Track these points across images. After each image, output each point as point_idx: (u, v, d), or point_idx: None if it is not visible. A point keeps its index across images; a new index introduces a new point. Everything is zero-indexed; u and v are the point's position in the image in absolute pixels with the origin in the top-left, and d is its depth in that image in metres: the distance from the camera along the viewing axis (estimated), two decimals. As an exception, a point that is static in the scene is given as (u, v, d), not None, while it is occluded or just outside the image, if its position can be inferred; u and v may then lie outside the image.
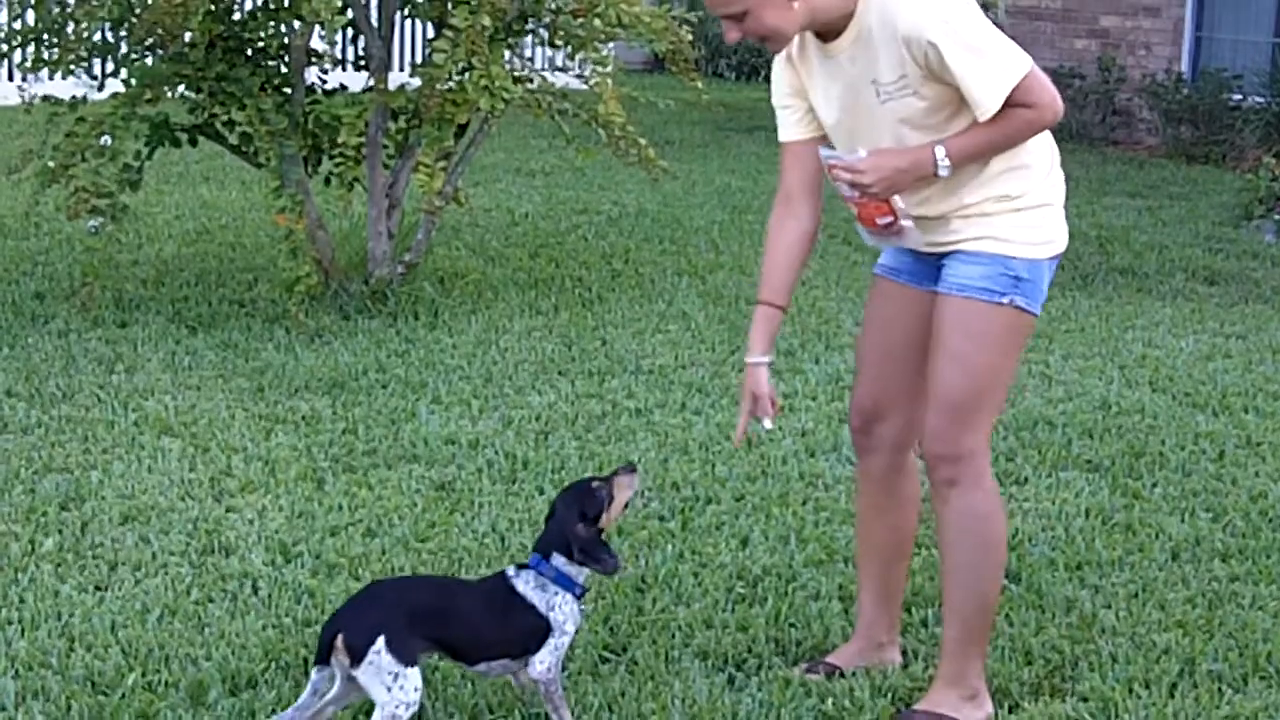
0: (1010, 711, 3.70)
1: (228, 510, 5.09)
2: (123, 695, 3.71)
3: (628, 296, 8.17)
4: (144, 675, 3.82)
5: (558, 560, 3.62)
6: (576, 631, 3.62)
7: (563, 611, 3.55)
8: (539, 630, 3.53)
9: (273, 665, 3.89)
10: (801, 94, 3.57)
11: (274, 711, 3.62)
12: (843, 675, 3.84)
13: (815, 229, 3.63)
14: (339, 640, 3.33)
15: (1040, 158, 3.53)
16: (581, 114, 7.88)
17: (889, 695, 3.78)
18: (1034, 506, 5.20)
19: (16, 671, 3.83)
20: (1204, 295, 8.67)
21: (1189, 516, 5.14)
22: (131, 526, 4.90)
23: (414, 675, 3.33)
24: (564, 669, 3.77)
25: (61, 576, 4.47)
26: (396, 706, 3.28)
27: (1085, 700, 3.77)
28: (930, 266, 3.62)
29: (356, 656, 3.29)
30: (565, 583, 3.60)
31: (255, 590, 4.42)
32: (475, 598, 3.57)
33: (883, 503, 3.84)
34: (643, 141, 7.98)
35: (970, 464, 3.55)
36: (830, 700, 3.72)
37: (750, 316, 3.67)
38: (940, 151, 3.39)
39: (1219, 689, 3.86)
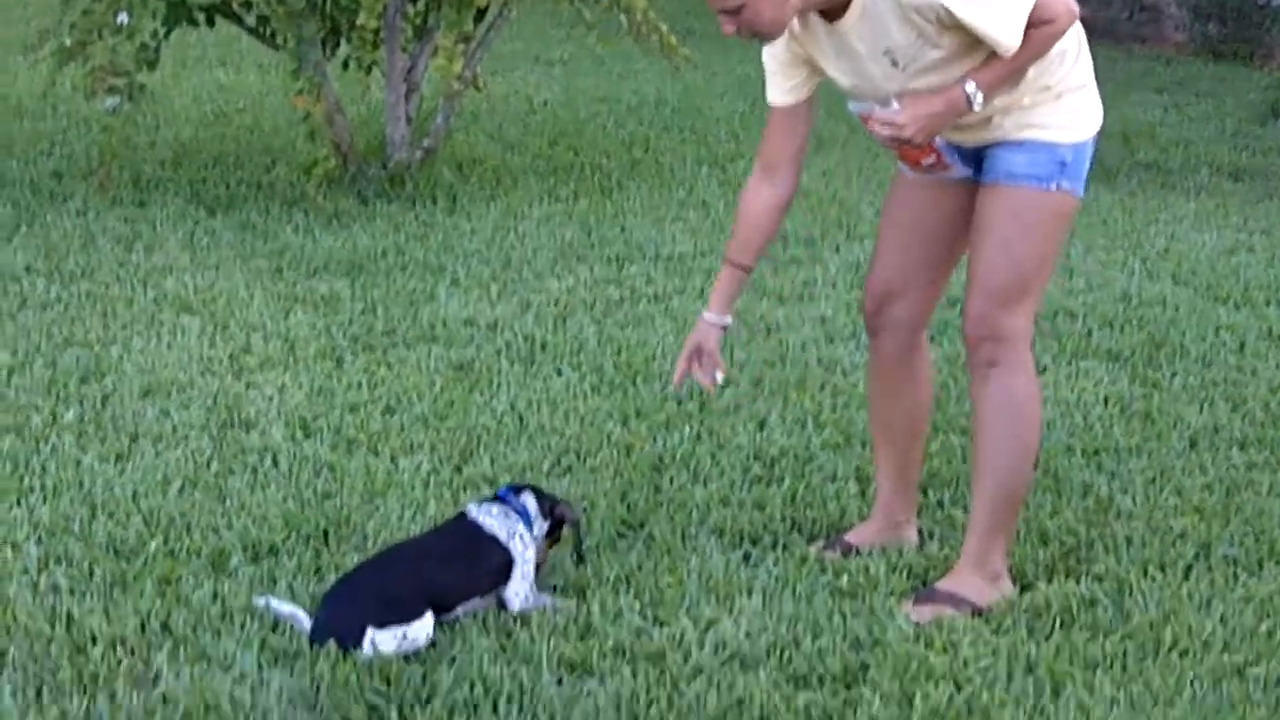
0: (1025, 591, 3.72)
1: (247, 386, 5.10)
2: (145, 561, 3.74)
3: (647, 185, 8.13)
4: (166, 543, 3.85)
5: (527, 499, 3.69)
6: (538, 567, 3.64)
7: (522, 541, 3.58)
8: (504, 565, 3.51)
9: (293, 535, 3.92)
10: (798, 63, 3.53)
11: (295, 579, 3.65)
12: (859, 554, 3.86)
13: (792, 198, 3.63)
14: (331, 644, 3.29)
15: (1070, 43, 3.50)
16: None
17: (904, 573, 3.80)
18: (1053, 395, 5.19)
19: (40, 538, 3.87)
20: (1228, 191, 8.59)
21: (1208, 406, 5.13)
22: (152, 400, 4.92)
23: (418, 624, 3.29)
24: (564, 566, 3.81)
25: (83, 447, 4.50)
26: (411, 648, 3.26)
27: (1100, 581, 3.78)
28: (966, 158, 3.58)
29: (354, 647, 3.27)
30: (526, 517, 3.65)
31: (275, 464, 4.44)
32: (442, 547, 3.57)
33: (895, 383, 3.83)
34: (664, 28, 7.89)
35: (1012, 346, 3.50)
36: (845, 577, 3.74)
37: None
38: (971, 87, 3.36)
39: (1234, 573, 3.87)
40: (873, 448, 4.00)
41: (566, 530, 3.75)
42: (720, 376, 3.69)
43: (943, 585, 3.65)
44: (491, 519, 3.61)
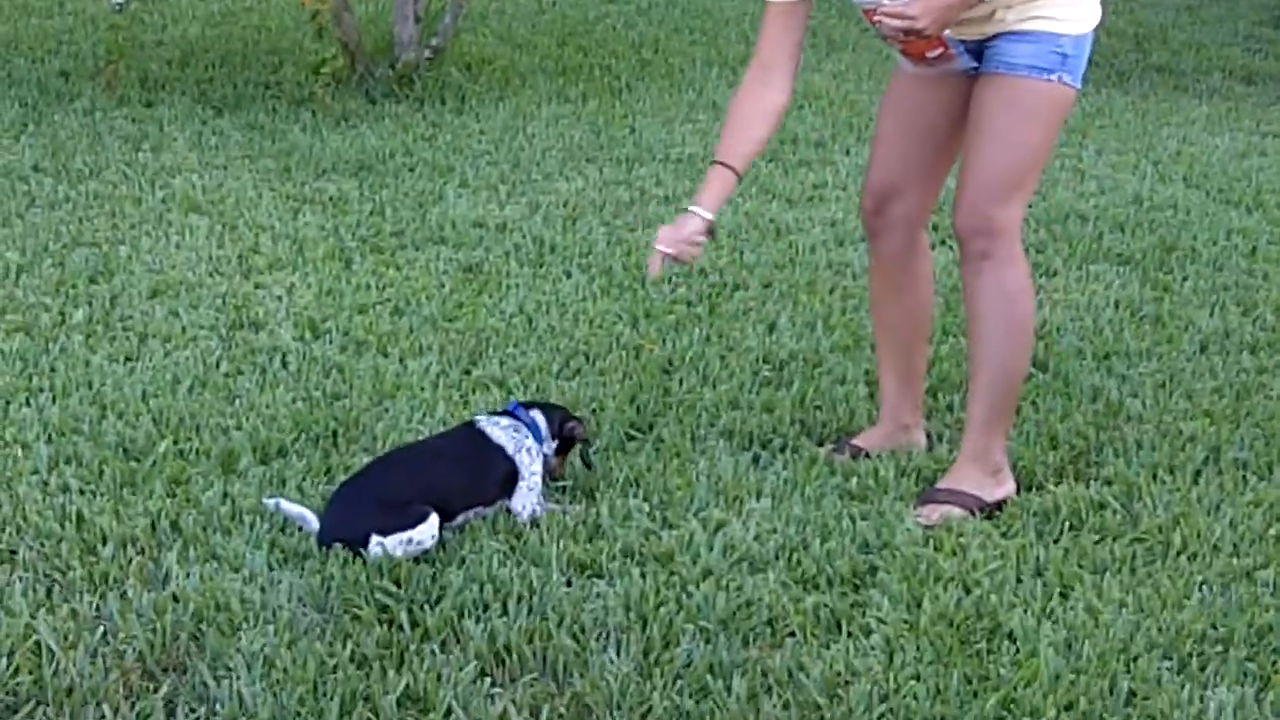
0: (1034, 492, 3.69)
1: (256, 287, 5.06)
2: (154, 462, 3.71)
3: (657, 86, 8.02)
4: (175, 443, 3.82)
5: (536, 415, 3.65)
6: (552, 476, 3.61)
7: (529, 454, 3.55)
8: (510, 476, 3.48)
9: (302, 436, 3.89)
10: None
11: (304, 479, 3.63)
12: (868, 457, 3.83)
13: (786, 104, 3.51)
14: (338, 547, 3.25)
15: None
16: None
17: (913, 476, 3.77)
18: (1063, 298, 5.14)
19: (49, 437, 3.84)
20: (1241, 94, 8.48)
21: (1219, 310, 5.07)
22: (160, 300, 4.88)
23: (423, 527, 3.24)
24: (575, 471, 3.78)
25: (92, 347, 4.46)
26: (418, 550, 3.24)
27: (1109, 484, 3.75)
28: (968, 52, 3.51)
29: (360, 550, 3.24)
30: (536, 434, 3.61)
31: (284, 364, 4.40)
32: (447, 452, 3.54)
33: (897, 283, 3.79)
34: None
35: (1004, 238, 3.47)
36: (854, 480, 3.71)
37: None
38: None
39: (1243, 476, 3.83)
40: (876, 350, 3.95)
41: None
42: (685, 259, 3.52)
43: (944, 484, 3.63)
44: (500, 431, 3.58)
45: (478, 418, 3.67)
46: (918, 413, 3.95)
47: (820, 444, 3.94)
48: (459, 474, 3.47)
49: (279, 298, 4.96)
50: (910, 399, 3.91)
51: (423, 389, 4.23)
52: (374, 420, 4.01)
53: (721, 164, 3.55)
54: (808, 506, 3.57)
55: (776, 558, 3.33)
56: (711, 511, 3.53)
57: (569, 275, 5.26)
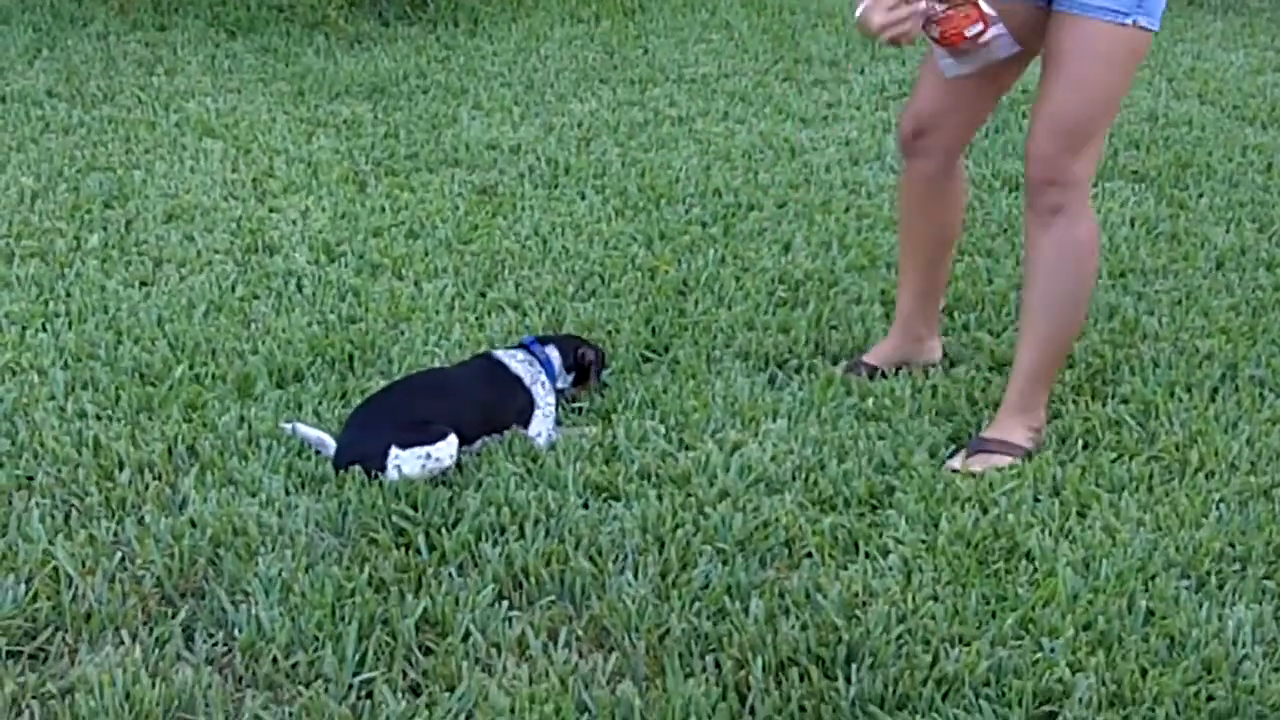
0: (1052, 416, 3.62)
1: (271, 210, 5.00)
2: (171, 386, 3.67)
3: (670, 5, 7.89)
4: (191, 368, 3.78)
5: (551, 352, 3.62)
6: (572, 399, 3.60)
7: (544, 387, 3.53)
8: (525, 405, 3.46)
9: (318, 360, 3.84)
10: None
11: (320, 403, 3.58)
12: (884, 376, 3.76)
13: None
14: (357, 469, 3.21)
15: None
16: None
17: (930, 393, 3.71)
18: (1078, 216, 5.05)
19: (66, 363, 3.80)
20: (1255, 10, 8.31)
21: (1235, 226, 4.98)
22: (175, 225, 4.82)
23: (442, 444, 3.20)
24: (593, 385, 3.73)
25: (107, 272, 4.41)
26: (436, 469, 3.20)
27: (1126, 403, 3.68)
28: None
29: (379, 470, 3.19)
30: (550, 370, 3.59)
31: (300, 288, 4.35)
32: (466, 379, 3.51)
33: (929, 202, 3.69)
34: None
35: (1077, 191, 3.31)
36: (871, 400, 3.65)
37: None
38: None
39: (1260, 394, 3.76)
40: (899, 261, 3.87)
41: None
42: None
43: (992, 433, 3.52)
44: (517, 363, 3.55)
45: (494, 350, 3.62)
46: (933, 325, 3.87)
47: (834, 363, 3.88)
48: (477, 400, 3.43)
49: (293, 221, 4.89)
50: (927, 310, 3.83)
51: (438, 312, 4.17)
52: (389, 343, 3.96)
53: None
54: (824, 427, 3.52)
55: (793, 479, 3.28)
56: (727, 433, 3.48)
57: (583, 197, 5.19)
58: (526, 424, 3.47)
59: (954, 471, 3.35)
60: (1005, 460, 3.41)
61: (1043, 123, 3.30)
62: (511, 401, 3.47)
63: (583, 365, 3.66)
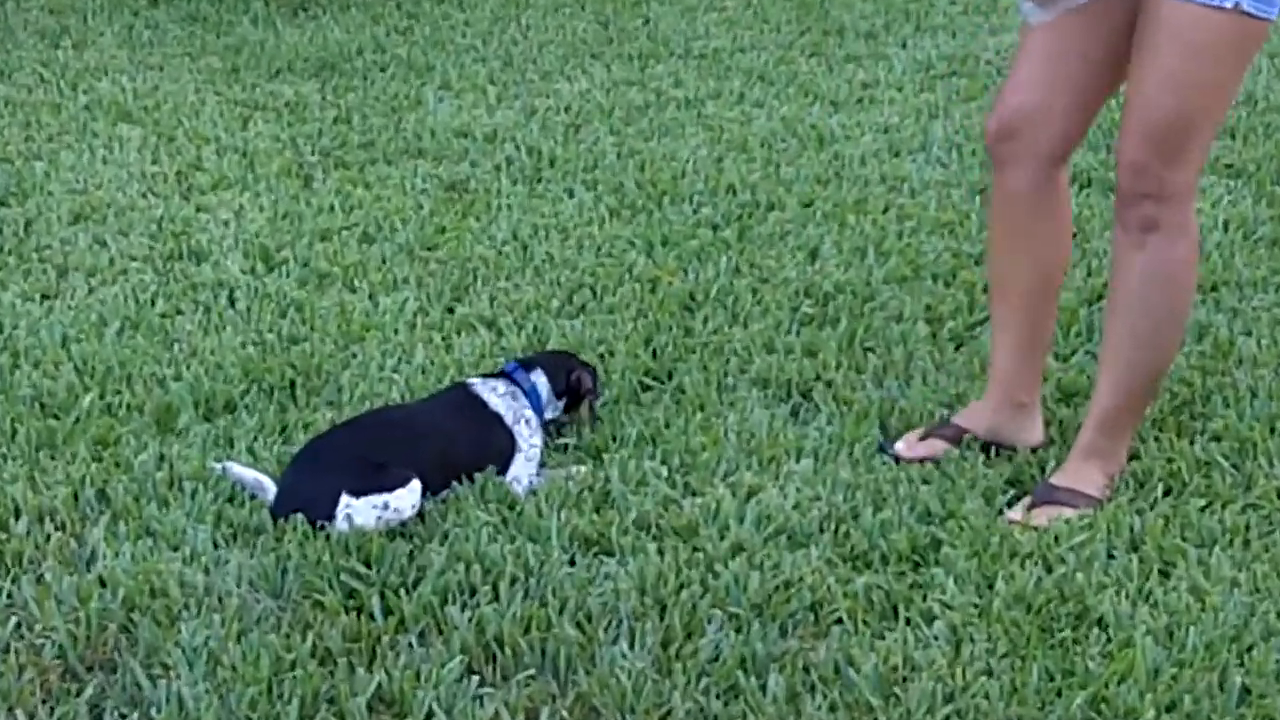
0: (1130, 458, 3.63)
1: (198, 209, 5.03)
2: (77, 419, 3.68)
3: (675, -34, 7.95)
4: (102, 396, 3.80)
5: (539, 378, 3.63)
6: (542, 453, 3.58)
7: (529, 426, 3.55)
8: (504, 447, 3.49)
9: (254, 387, 3.86)
10: None
11: (256, 439, 3.60)
12: (978, 448, 3.66)
13: None
14: (301, 518, 3.21)
15: None
16: None
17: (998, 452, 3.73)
18: (1162, 217, 5.08)
19: (-47, 390, 3.83)
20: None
21: (1349, 231, 5.01)
22: (84, 226, 4.85)
23: (402, 492, 3.22)
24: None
25: (2, 283, 4.44)
26: (395, 520, 3.20)
27: (1217, 440, 3.70)
28: None
29: (327, 519, 3.20)
30: (535, 402, 3.60)
31: (232, 301, 4.38)
32: (434, 416, 3.52)
33: (1026, 226, 3.60)
34: None
35: (1175, 205, 3.29)
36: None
37: None
38: None
39: (1379, 431, 3.78)
40: (990, 307, 3.83)
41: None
42: None
43: (1063, 480, 3.52)
44: (497, 397, 3.57)
45: (470, 380, 3.64)
46: (1035, 388, 3.75)
47: (889, 438, 3.78)
48: (446, 440, 3.45)
49: (225, 222, 4.92)
50: (1029, 370, 3.73)
51: (397, 331, 4.19)
52: (339, 368, 3.97)
53: None
54: (857, 469, 3.53)
55: (820, 530, 3.30)
56: (742, 475, 3.49)
57: (571, 194, 5.21)
58: (505, 469, 3.49)
59: (1013, 524, 3.36)
60: (1075, 513, 3.42)
61: (1133, 125, 3.26)
62: (488, 443, 3.49)
63: (576, 390, 3.67)
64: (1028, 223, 3.57)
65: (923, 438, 3.69)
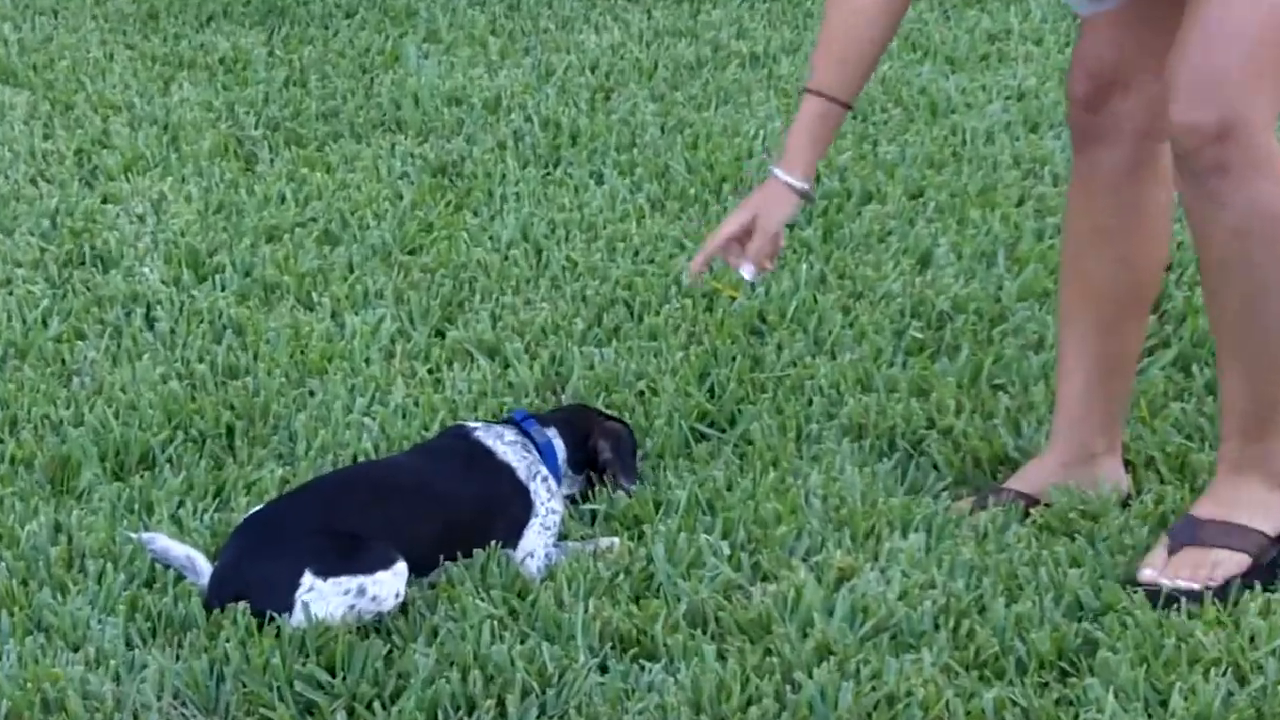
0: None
1: (105, 200, 5.07)
2: (-54, 476, 3.73)
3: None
4: (-21, 447, 3.84)
5: (554, 435, 3.68)
6: (562, 522, 3.61)
7: (547, 488, 3.58)
8: (517, 511, 3.53)
9: (180, 435, 3.88)
10: None
11: (183, 503, 3.61)
12: (1037, 506, 3.75)
13: None
14: (244, 607, 3.21)
15: None
16: None
17: (1150, 494, 3.72)
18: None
19: None
20: None
21: None
22: (-45, 222, 4.91)
23: (384, 575, 3.24)
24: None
25: None
26: (372, 613, 3.21)
27: None
28: None
29: (281, 611, 3.24)
30: (551, 460, 3.64)
31: (151, 322, 4.41)
32: (424, 471, 3.55)
33: (1113, 219, 3.64)
34: None
35: (1251, 140, 3.30)
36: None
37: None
38: None
39: None
40: (1060, 323, 3.87)
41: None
42: (767, 268, 3.61)
43: (1205, 511, 3.55)
44: (505, 446, 3.59)
45: (470, 424, 3.67)
46: (1116, 431, 3.81)
47: (954, 492, 3.85)
48: (443, 505, 3.47)
49: (141, 217, 4.96)
50: (1104, 409, 3.79)
51: (369, 361, 4.22)
52: (292, 409, 4.00)
53: (818, 92, 3.50)
54: (983, 545, 3.53)
55: (935, 627, 3.29)
56: (830, 553, 3.49)
57: (600, 180, 5.25)
58: (514, 539, 3.51)
59: (1151, 591, 3.39)
60: (1235, 560, 3.46)
61: (1196, 42, 3.29)
62: (496, 504, 3.50)
63: (595, 459, 3.69)
64: (1115, 213, 3.68)
65: (973, 510, 3.73)
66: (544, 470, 3.60)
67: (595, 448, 3.71)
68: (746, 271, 3.57)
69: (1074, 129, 3.69)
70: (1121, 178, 3.65)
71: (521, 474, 3.56)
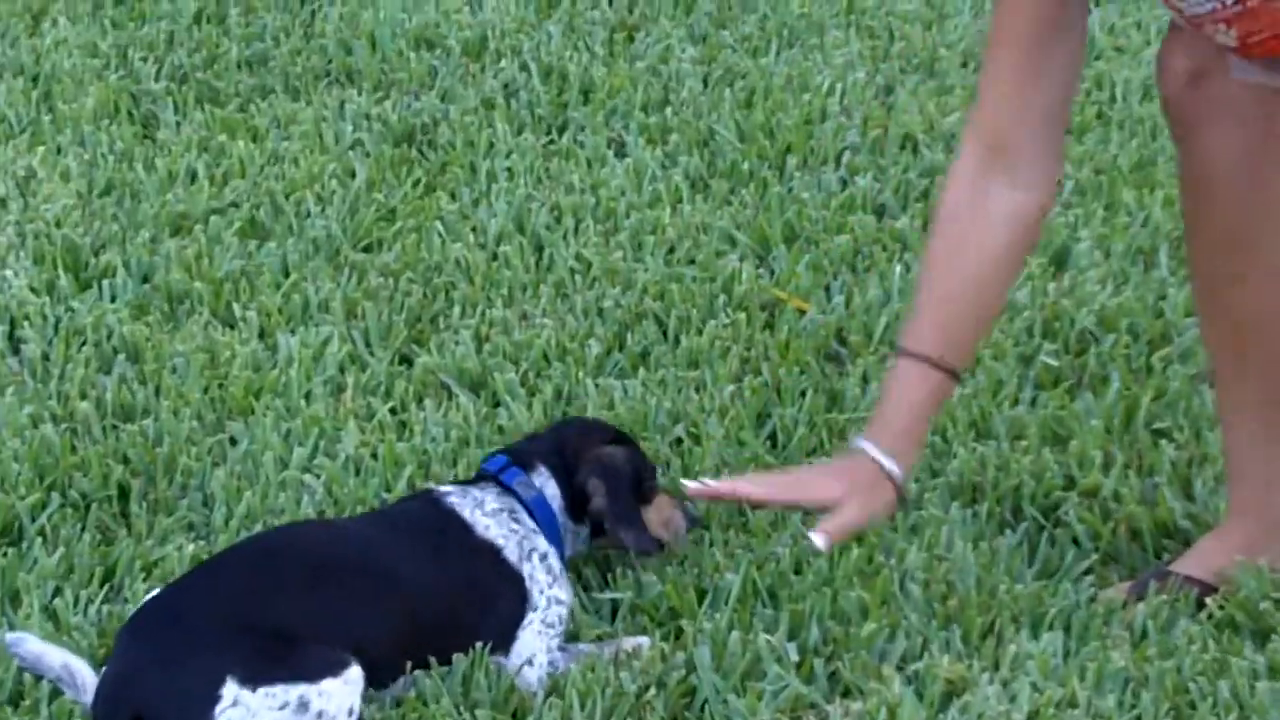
0: None
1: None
2: None
3: None
4: None
5: (542, 478, 3.67)
6: (569, 614, 3.63)
7: (547, 570, 3.59)
8: (509, 605, 3.55)
9: (54, 498, 3.88)
10: None
11: (58, 592, 3.61)
12: (1212, 594, 3.77)
13: (1049, 205, 3.65)
14: None
15: None
16: None
17: None
18: None
19: None
20: None
21: None
22: None
23: (331, 683, 3.26)
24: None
25: None
26: None
27: None
28: None
29: None
30: (547, 521, 3.64)
31: (15, 344, 4.44)
32: (383, 547, 3.56)
33: (1243, 224, 3.74)
34: None
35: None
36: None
37: None
38: None
39: None
40: (1210, 360, 3.91)
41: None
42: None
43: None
44: (487, 517, 3.60)
45: (441, 489, 3.68)
46: None
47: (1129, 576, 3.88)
48: (409, 593, 3.49)
49: (2, 201, 5.00)
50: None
51: (309, 396, 4.24)
52: (206, 463, 4.02)
53: (918, 355, 3.52)
54: (1141, 650, 3.53)
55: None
56: (934, 659, 3.50)
57: (621, 151, 5.29)
58: (506, 641, 3.53)
59: None
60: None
61: None
62: (479, 598, 3.52)
63: (584, 500, 3.69)
64: (1242, 212, 3.70)
65: (1128, 601, 3.77)
66: (541, 544, 3.59)
67: (583, 489, 3.69)
68: (820, 541, 3.54)
69: (1170, 111, 3.75)
70: (1239, 162, 3.68)
71: (511, 554, 3.57)
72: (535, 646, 3.52)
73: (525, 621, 3.53)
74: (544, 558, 3.59)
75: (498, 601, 3.53)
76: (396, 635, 3.42)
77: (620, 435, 3.81)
